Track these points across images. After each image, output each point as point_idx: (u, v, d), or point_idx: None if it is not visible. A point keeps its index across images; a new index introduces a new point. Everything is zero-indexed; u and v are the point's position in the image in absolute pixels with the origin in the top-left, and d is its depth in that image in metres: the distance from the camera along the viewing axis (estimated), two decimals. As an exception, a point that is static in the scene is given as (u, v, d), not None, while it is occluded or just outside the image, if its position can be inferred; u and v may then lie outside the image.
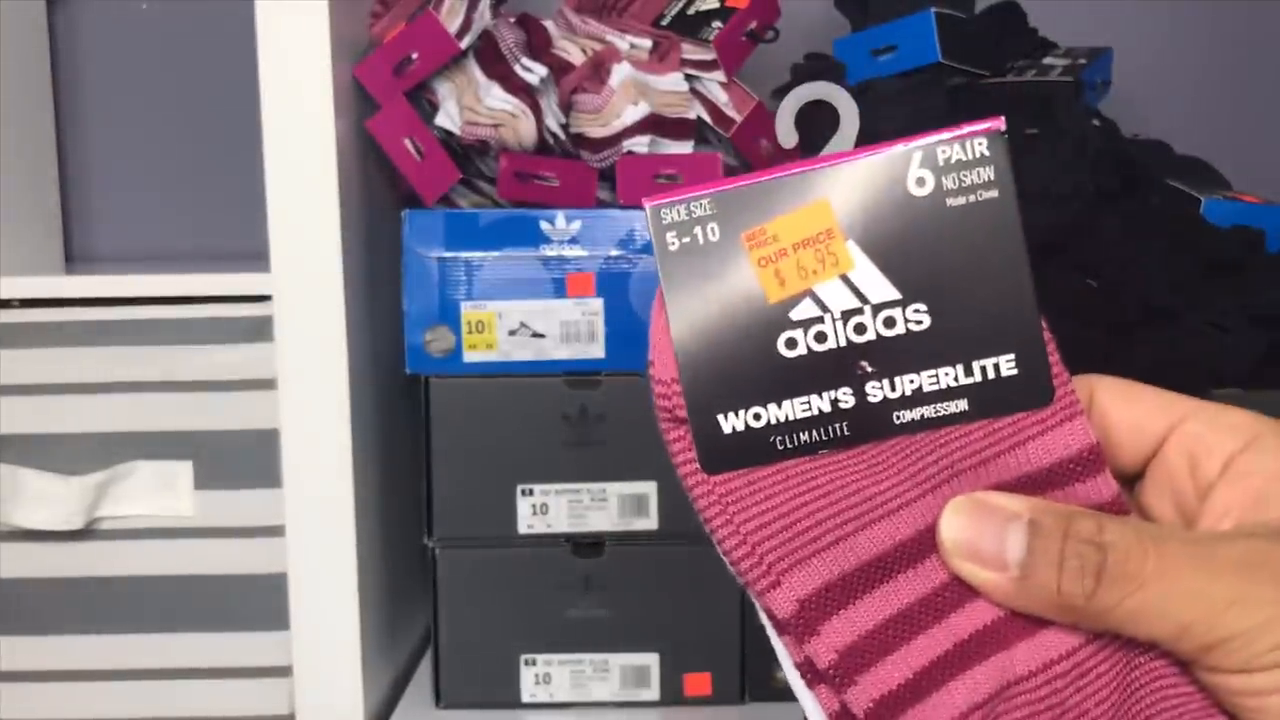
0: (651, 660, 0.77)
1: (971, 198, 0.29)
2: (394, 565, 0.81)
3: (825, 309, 0.29)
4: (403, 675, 0.84)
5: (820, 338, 0.29)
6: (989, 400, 0.29)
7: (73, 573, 0.74)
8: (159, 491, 0.74)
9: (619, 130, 0.74)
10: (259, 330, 0.72)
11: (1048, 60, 0.82)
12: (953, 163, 0.29)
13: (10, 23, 0.91)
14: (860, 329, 0.29)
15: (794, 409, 0.29)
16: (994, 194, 0.29)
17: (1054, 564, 0.27)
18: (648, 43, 0.77)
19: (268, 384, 0.72)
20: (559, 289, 0.75)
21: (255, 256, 0.73)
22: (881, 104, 0.73)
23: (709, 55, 0.77)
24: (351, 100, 0.73)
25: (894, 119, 0.72)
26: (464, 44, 0.74)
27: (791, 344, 0.29)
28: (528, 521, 0.76)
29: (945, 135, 0.29)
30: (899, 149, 0.29)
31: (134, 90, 1.02)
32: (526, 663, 0.77)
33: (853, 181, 0.29)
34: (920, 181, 0.29)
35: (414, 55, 0.74)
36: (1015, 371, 0.29)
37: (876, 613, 0.28)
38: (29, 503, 0.73)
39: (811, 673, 0.28)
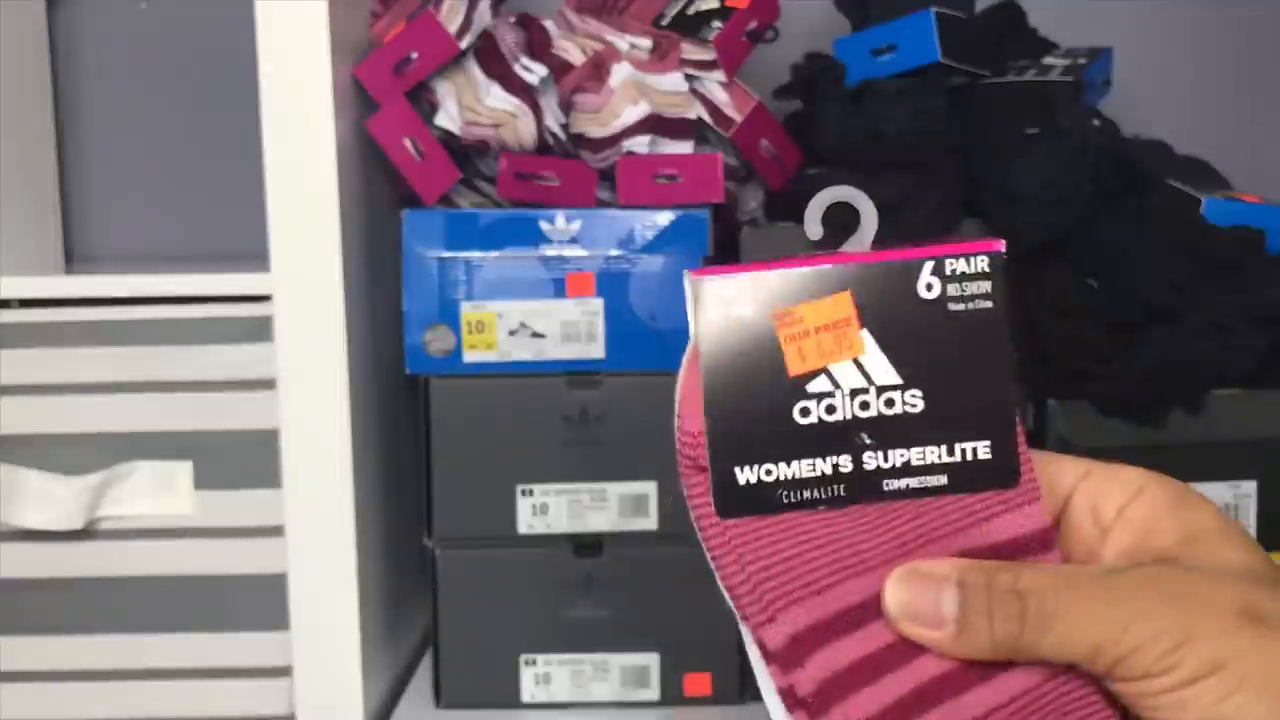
0: (651, 660, 0.77)
1: (970, 305, 0.33)
2: (394, 565, 0.81)
3: (837, 385, 0.33)
4: (403, 675, 0.84)
5: (830, 409, 0.33)
6: (965, 478, 0.33)
7: (73, 573, 0.74)
8: (159, 491, 0.74)
9: (619, 130, 0.74)
10: (259, 330, 0.72)
11: (1048, 60, 0.82)
12: (957, 274, 0.33)
13: (10, 23, 0.91)
14: (865, 405, 0.33)
15: (801, 469, 0.33)
16: (989, 305, 0.33)
17: (984, 614, 0.31)
18: (648, 43, 0.77)
19: (268, 384, 0.72)
20: (559, 289, 0.74)
21: (255, 256, 0.73)
22: (882, 104, 0.73)
23: (709, 55, 0.77)
24: (351, 100, 0.73)
25: (894, 119, 0.72)
26: (464, 44, 0.74)
27: (805, 412, 0.33)
28: (528, 521, 0.76)
29: (953, 250, 0.34)
30: (914, 260, 0.33)
31: (134, 90, 1.02)
32: (526, 663, 0.77)
33: (873, 280, 0.33)
34: (929, 286, 0.33)
35: (414, 55, 0.74)
36: (989, 456, 0.33)
37: (853, 653, 0.32)
38: (29, 503, 0.73)
39: (792, 699, 0.32)
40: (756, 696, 0.82)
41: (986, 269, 0.33)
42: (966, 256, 0.33)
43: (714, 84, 0.77)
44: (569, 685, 0.77)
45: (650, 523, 0.76)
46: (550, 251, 0.74)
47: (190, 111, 1.02)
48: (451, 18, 0.74)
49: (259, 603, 0.74)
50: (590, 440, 0.75)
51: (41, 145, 0.97)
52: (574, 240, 0.74)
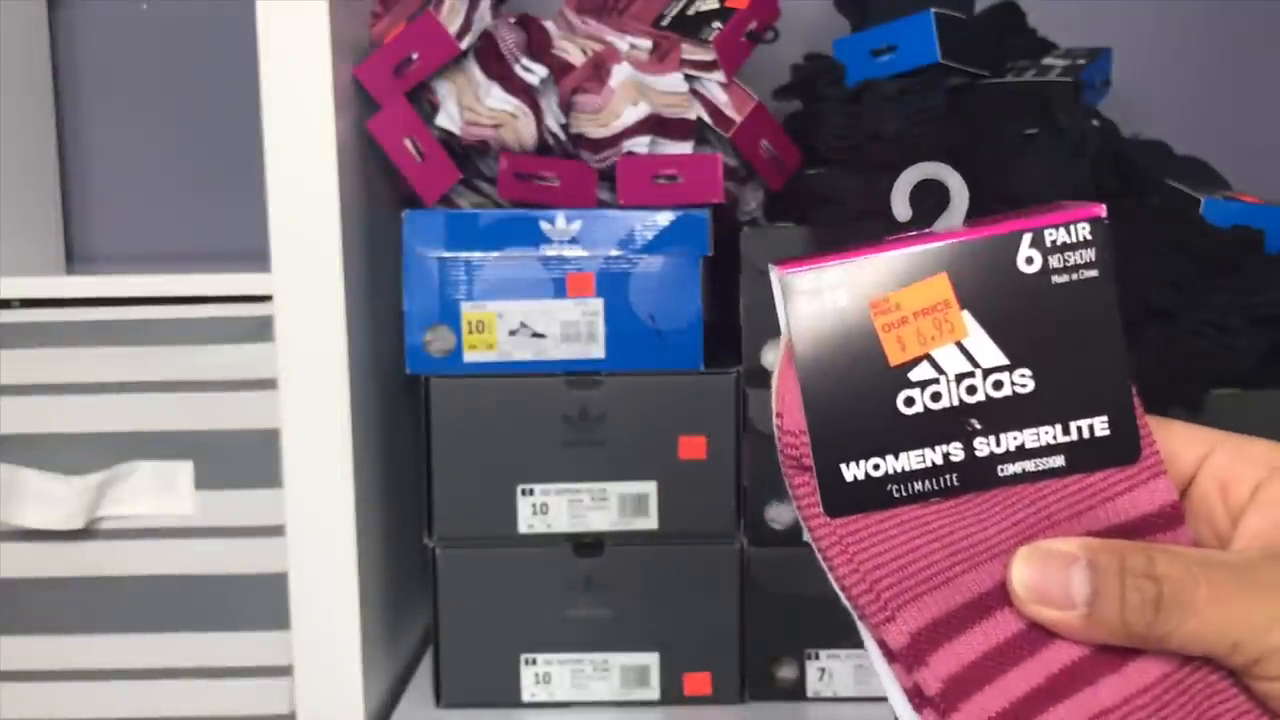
0: (651, 660, 0.77)
1: (1074, 276, 0.32)
2: (394, 565, 0.81)
3: (941, 371, 0.32)
4: (403, 675, 0.84)
5: (936, 397, 0.32)
6: (1083, 457, 0.32)
7: (73, 573, 0.74)
8: (159, 491, 0.74)
9: (619, 130, 0.74)
10: (259, 330, 0.72)
11: (1047, 60, 0.82)
12: (1058, 244, 0.32)
13: (10, 23, 0.91)
14: (971, 390, 0.32)
15: (909, 461, 0.32)
16: (1094, 273, 0.32)
17: (1116, 599, 0.30)
18: (648, 43, 0.78)
19: (268, 384, 0.72)
20: (559, 289, 0.75)
21: (255, 256, 0.73)
22: (882, 104, 0.73)
23: (709, 55, 0.77)
24: (352, 100, 0.73)
25: (894, 119, 0.72)
26: (464, 44, 0.74)
27: (910, 402, 0.32)
28: (528, 521, 0.76)
29: (1052, 219, 0.32)
30: (1012, 234, 0.32)
31: (134, 90, 1.02)
32: (526, 662, 0.77)
33: (969, 259, 0.32)
34: (1029, 260, 0.32)
35: (414, 56, 0.74)
36: (1107, 432, 0.32)
37: (978, 646, 0.31)
38: (29, 503, 0.73)
39: (919, 699, 0.31)
40: (757, 696, 0.83)
41: (1089, 236, 0.32)
42: (1067, 225, 0.32)
43: (714, 84, 0.77)
44: (569, 685, 0.77)
45: (650, 523, 0.76)
46: (550, 251, 0.74)
47: (191, 112, 1.02)
48: (452, 18, 0.74)
49: (259, 603, 0.74)
50: (590, 440, 0.75)
51: (42, 145, 0.97)
52: (574, 240, 0.74)
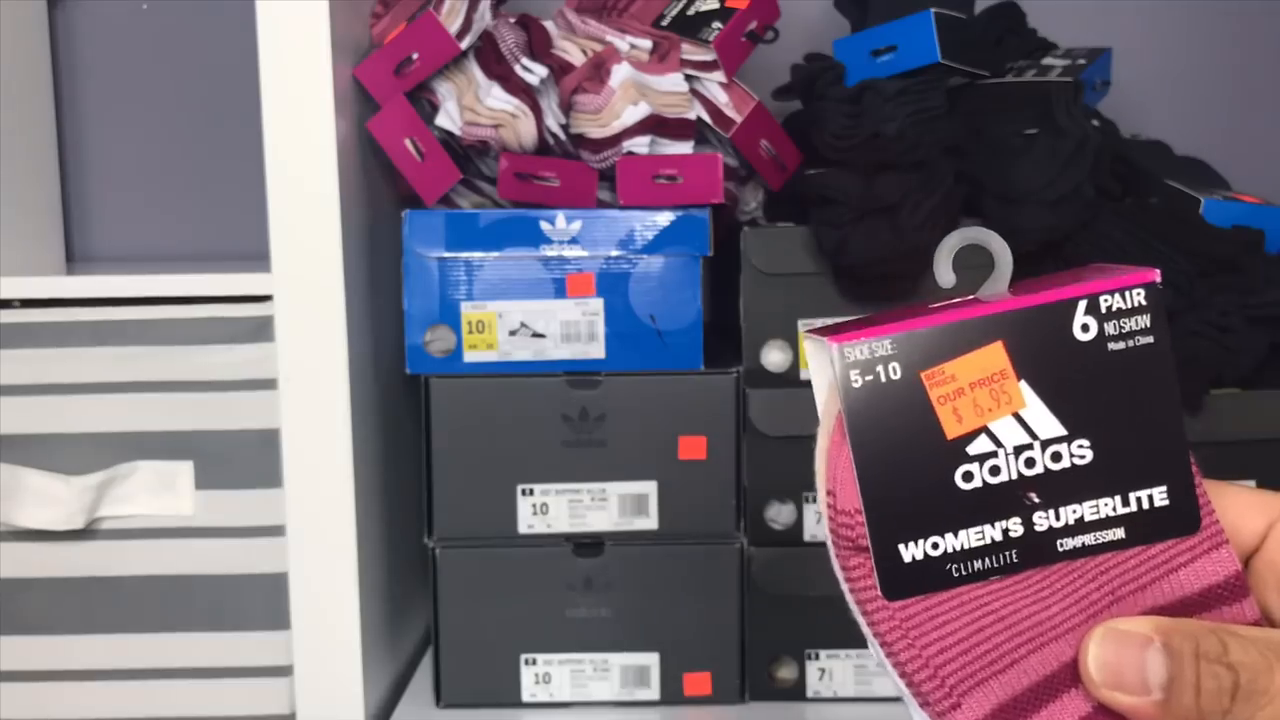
0: (651, 660, 0.77)
1: (1130, 343, 0.31)
2: (394, 565, 0.81)
3: (999, 444, 0.31)
4: (403, 675, 0.84)
5: (994, 471, 0.31)
6: (1143, 529, 0.31)
7: (73, 573, 0.74)
8: (159, 491, 0.74)
9: (619, 131, 0.74)
10: (259, 330, 0.72)
11: (1047, 60, 0.82)
12: (1114, 311, 0.31)
13: (10, 23, 0.91)
14: (1030, 463, 0.31)
15: (969, 538, 0.31)
16: (1150, 340, 0.31)
17: (1191, 686, 0.29)
18: (648, 43, 0.78)
19: (268, 384, 0.72)
20: (559, 289, 0.75)
21: (255, 256, 0.73)
22: (882, 104, 0.73)
23: (709, 56, 0.77)
24: (352, 100, 0.73)
25: (894, 119, 0.72)
26: (464, 44, 0.74)
27: (968, 477, 0.31)
28: (528, 521, 0.76)
29: (1107, 284, 0.31)
30: (1067, 301, 0.31)
31: (134, 90, 1.02)
32: (526, 663, 0.77)
33: (1024, 326, 0.31)
34: (1085, 328, 0.31)
35: (414, 56, 0.74)
36: (1167, 502, 0.31)
37: None
38: (29, 503, 0.73)
39: None
40: (757, 696, 0.83)
41: (1144, 302, 0.31)
42: (1122, 291, 0.31)
43: (714, 84, 0.77)
44: (569, 685, 0.77)
45: (650, 523, 0.76)
46: (550, 251, 0.74)
47: (191, 112, 1.02)
48: (452, 19, 0.74)
49: (259, 603, 0.74)
50: (590, 440, 0.75)
51: (42, 145, 0.97)
52: (574, 240, 0.74)
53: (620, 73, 0.75)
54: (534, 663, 0.77)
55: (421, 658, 0.86)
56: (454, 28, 0.74)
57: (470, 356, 0.75)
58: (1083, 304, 0.31)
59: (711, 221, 0.75)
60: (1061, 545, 0.31)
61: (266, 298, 0.72)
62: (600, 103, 0.75)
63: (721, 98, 0.77)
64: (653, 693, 0.77)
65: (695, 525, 0.76)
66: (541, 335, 0.75)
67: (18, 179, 0.91)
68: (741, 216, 0.82)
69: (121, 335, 0.73)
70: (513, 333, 0.75)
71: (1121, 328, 0.31)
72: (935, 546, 0.31)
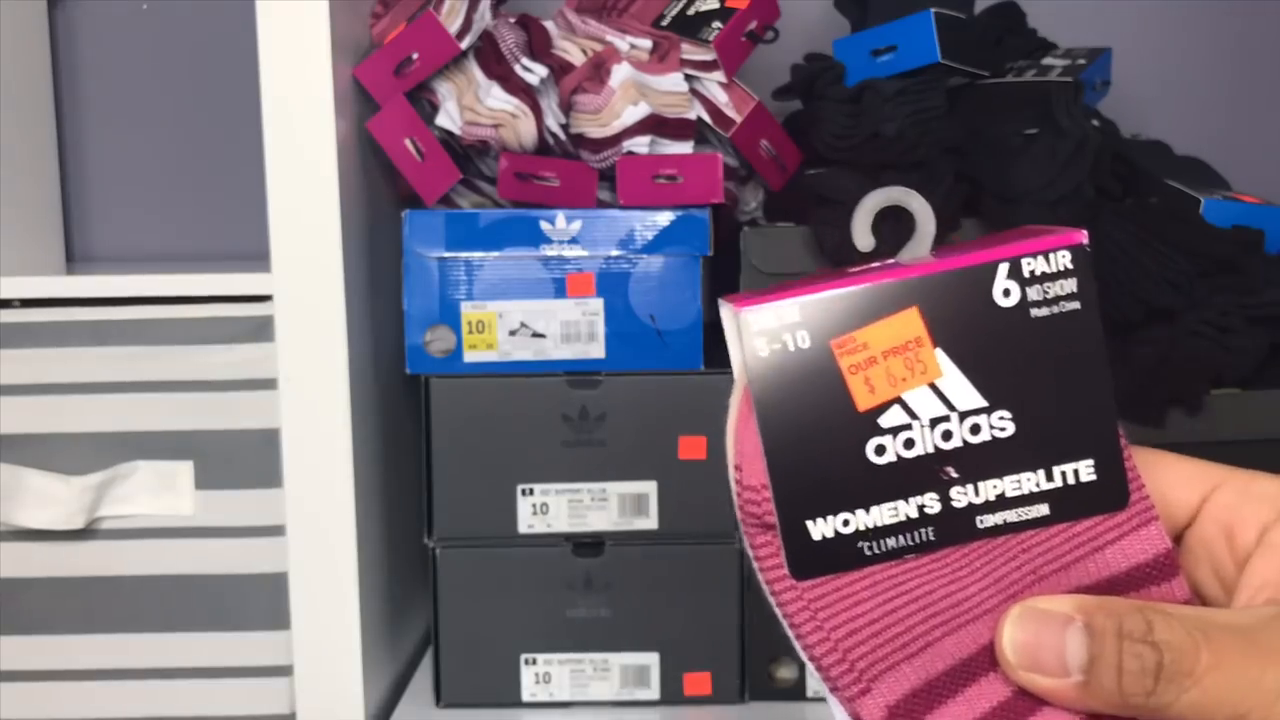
0: (651, 660, 0.77)
1: (1055, 309, 0.30)
2: (394, 565, 0.81)
3: (914, 416, 0.29)
4: (403, 675, 0.84)
5: (909, 444, 0.29)
6: (1068, 505, 0.30)
7: (73, 573, 0.74)
8: (159, 491, 0.74)
9: (619, 130, 0.74)
10: (259, 330, 0.72)
11: (1047, 60, 0.82)
12: (1037, 275, 0.30)
13: (10, 23, 0.91)
14: (947, 435, 0.29)
15: (882, 515, 0.29)
16: (1076, 305, 0.30)
17: (1113, 667, 0.28)
18: (648, 43, 0.78)
19: (268, 384, 0.72)
20: (559, 289, 0.75)
21: (255, 256, 0.73)
22: (882, 104, 0.73)
23: (709, 55, 0.77)
24: (352, 100, 0.73)
25: (894, 119, 0.72)
26: (464, 44, 0.74)
27: (880, 450, 0.29)
28: (528, 521, 0.76)
29: (1030, 246, 0.30)
30: (987, 264, 0.29)
31: (134, 90, 1.02)
32: (526, 662, 0.77)
33: (941, 291, 0.29)
34: (1006, 292, 0.29)
35: (414, 56, 0.74)
36: (1094, 477, 0.30)
37: (962, 717, 0.29)
38: (29, 503, 0.73)
39: None
40: (757, 696, 0.83)
41: (1070, 265, 0.29)
42: (1046, 254, 0.29)
43: (714, 84, 0.77)
44: (569, 685, 0.77)
45: (650, 523, 0.76)
46: (550, 251, 0.74)
47: (191, 112, 1.02)
48: (452, 18, 0.74)
49: (259, 602, 0.74)
50: (590, 440, 0.75)
51: (42, 145, 0.97)
52: (574, 240, 0.74)
53: (620, 73, 0.75)
54: (534, 662, 0.77)
55: (421, 658, 0.86)
56: (454, 28, 0.74)
57: (470, 356, 0.75)
58: (1004, 267, 0.29)
59: (711, 221, 0.75)
60: (981, 522, 0.30)
61: (266, 298, 0.72)
62: (600, 103, 0.75)
63: (721, 98, 0.77)
64: (652, 693, 0.77)
65: (695, 525, 0.76)
66: (541, 335, 0.75)
67: (18, 179, 0.91)
68: (741, 216, 0.82)
69: (121, 335, 0.73)
70: (513, 333, 0.75)
71: (1046, 293, 0.30)
72: (846, 524, 0.29)
